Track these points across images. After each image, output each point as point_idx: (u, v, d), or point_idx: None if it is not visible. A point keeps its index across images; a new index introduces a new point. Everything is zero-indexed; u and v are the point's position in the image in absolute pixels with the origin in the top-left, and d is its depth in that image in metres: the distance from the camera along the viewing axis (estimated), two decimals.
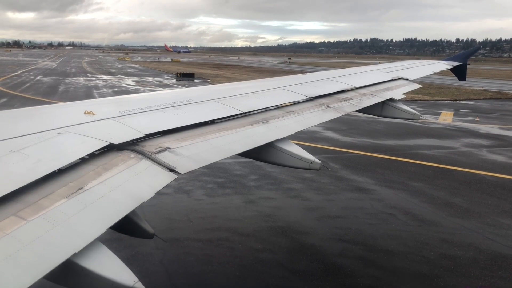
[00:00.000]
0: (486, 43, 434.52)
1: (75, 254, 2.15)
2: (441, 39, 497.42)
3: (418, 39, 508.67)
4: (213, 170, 13.95)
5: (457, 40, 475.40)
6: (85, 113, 3.70)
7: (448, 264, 8.21)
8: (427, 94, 39.38)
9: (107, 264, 2.27)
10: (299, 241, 9.11)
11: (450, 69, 12.61)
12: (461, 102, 36.99)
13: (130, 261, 8.12)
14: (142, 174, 3.03)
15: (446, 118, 27.21)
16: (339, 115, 5.98)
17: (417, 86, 9.65)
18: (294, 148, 4.52)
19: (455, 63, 12.42)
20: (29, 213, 2.29)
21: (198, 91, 6.67)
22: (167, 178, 3.11)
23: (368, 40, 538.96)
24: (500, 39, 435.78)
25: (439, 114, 28.83)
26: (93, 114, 3.71)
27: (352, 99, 6.85)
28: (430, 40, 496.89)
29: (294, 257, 8.45)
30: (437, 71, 11.81)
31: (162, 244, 8.76)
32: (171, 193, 11.73)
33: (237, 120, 4.66)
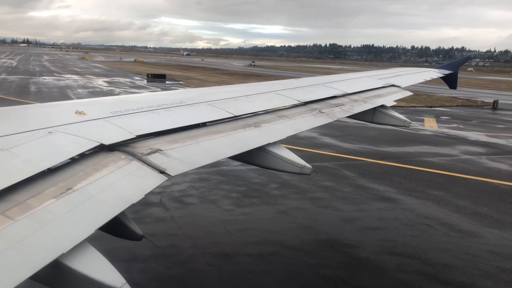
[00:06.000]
0: (439, 51, 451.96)
1: (62, 255, 2.12)
2: (397, 46, 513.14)
3: (375, 45, 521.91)
4: (230, 177, 13.49)
5: (413, 47, 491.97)
6: (76, 113, 3.65)
7: (510, 278, 8.11)
8: (402, 100, 40.00)
9: (94, 265, 2.23)
10: (351, 255, 8.81)
11: (441, 78, 12.70)
12: (436, 108, 37.86)
13: (187, 281, 7.59)
14: (132, 176, 2.99)
15: (431, 124, 27.71)
16: (331, 120, 5.94)
17: (409, 93, 9.64)
18: (285, 153, 4.46)
19: (446, 72, 12.49)
20: (16, 213, 2.25)
21: (190, 93, 6.56)
22: (157, 180, 3.06)
23: (328, 46, 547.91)
24: (452, 48, 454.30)
25: (421, 120, 29.32)
26: (84, 114, 3.65)
27: (343, 105, 6.81)
28: (386, 47, 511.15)
29: (354, 272, 8.14)
30: (429, 79, 11.93)
31: (214, 261, 8.25)
32: (197, 203, 11.17)
33: (229, 123, 4.60)
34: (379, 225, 10.54)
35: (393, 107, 8.02)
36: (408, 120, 7.64)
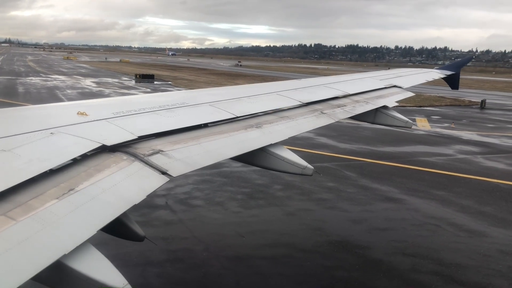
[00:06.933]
0: (422, 51, 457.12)
1: (64, 256, 2.12)
2: (381, 46, 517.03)
3: (360, 45, 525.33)
4: (233, 179, 13.43)
5: (396, 47, 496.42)
6: (78, 113, 3.66)
7: None
8: None
9: (96, 266, 2.24)
10: (365, 257, 8.80)
11: (443, 78, 12.81)
12: (426, 108, 38.16)
13: (204, 285, 7.51)
14: (134, 176, 3.00)
15: (424, 124, 27.95)
16: (332, 121, 5.95)
17: (410, 94, 9.71)
18: (287, 153, 4.47)
19: (448, 72, 12.60)
20: (19, 214, 2.26)
21: (192, 93, 6.54)
22: (159, 181, 3.08)
23: (312, 46, 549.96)
24: (435, 48, 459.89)
25: (413, 120, 29.26)
26: (86, 115, 3.66)
27: (345, 105, 6.83)
28: (371, 47, 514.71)
29: (370, 274, 8.13)
30: (430, 79, 12.00)
31: (229, 264, 8.18)
32: (204, 206, 11.08)
33: (231, 124, 4.62)
34: (388, 225, 10.57)
35: (394, 107, 8.07)
36: (410, 121, 7.68)
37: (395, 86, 9.31)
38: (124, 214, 2.73)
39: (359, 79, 9.57)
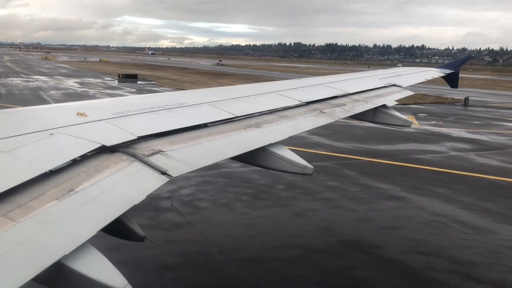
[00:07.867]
0: (400, 49, 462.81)
1: (65, 256, 2.12)
2: (359, 44, 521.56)
3: (339, 44, 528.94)
4: (234, 180, 13.33)
5: (374, 45, 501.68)
6: (77, 114, 3.65)
7: None
8: None
9: (97, 266, 2.24)
10: (379, 256, 8.82)
11: (442, 77, 12.96)
12: (411, 106, 38.66)
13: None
14: (134, 177, 3.00)
15: (412, 122, 28.22)
16: (332, 120, 5.98)
17: (410, 93, 9.81)
18: (286, 153, 4.48)
19: (448, 71, 12.74)
20: (19, 215, 2.25)
21: (191, 93, 6.50)
22: (158, 181, 3.07)
23: (292, 44, 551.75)
24: (412, 46, 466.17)
25: None
26: (86, 115, 3.65)
27: (345, 104, 6.87)
28: (350, 45, 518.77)
29: (387, 273, 8.14)
30: (430, 78, 12.11)
31: (246, 267, 8.10)
32: (211, 207, 10.96)
33: (230, 124, 4.62)
34: (395, 224, 10.62)
35: (393, 106, 8.10)
36: (409, 120, 7.77)
37: (394, 85, 9.37)
38: (124, 214, 2.73)
39: (358, 78, 9.61)
